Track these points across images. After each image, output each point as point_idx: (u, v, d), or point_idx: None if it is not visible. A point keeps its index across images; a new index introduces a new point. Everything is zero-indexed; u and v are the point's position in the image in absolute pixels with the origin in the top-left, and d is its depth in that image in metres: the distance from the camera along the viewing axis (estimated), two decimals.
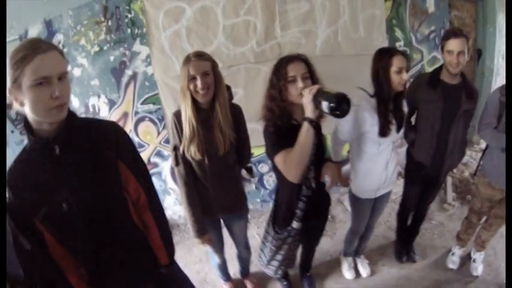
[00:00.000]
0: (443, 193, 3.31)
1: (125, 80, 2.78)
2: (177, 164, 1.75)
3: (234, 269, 2.54)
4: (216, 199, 1.84)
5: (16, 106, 1.04)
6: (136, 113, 2.89)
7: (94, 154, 1.15)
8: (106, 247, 1.24)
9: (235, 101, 2.80)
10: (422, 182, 2.27)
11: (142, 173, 1.33)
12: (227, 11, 2.64)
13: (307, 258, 2.29)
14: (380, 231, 2.91)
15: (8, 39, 2.75)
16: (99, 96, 2.83)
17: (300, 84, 1.47)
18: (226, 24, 2.66)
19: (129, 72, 2.76)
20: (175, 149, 1.73)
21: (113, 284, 1.32)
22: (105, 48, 2.68)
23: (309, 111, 1.38)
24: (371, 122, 1.78)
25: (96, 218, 1.18)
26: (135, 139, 2.95)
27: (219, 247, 2.12)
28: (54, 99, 0.99)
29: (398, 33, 3.06)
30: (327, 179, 1.71)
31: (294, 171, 1.47)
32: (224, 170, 1.81)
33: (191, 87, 1.60)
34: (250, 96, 2.74)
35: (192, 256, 2.89)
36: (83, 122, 1.20)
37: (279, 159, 1.52)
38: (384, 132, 1.79)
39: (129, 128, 2.91)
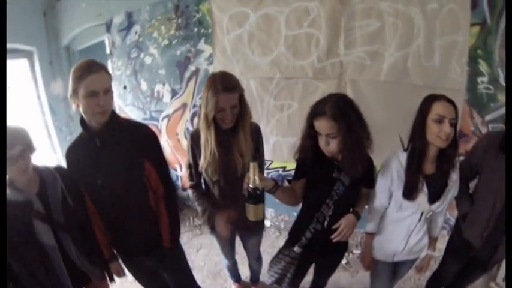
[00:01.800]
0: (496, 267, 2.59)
1: (187, 74, 2.98)
2: (191, 180, 1.83)
3: (247, 273, 2.64)
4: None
5: (74, 108, 1.42)
6: (195, 105, 3.09)
7: (125, 150, 1.50)
8: (124, 219, 1.61)
9: (289, 113, 2.82)
10: (465, 262, 1.91)
11: (163, 171, 1.66)
12: (290, 21, 2.58)
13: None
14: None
15: (95, 24, 3.15)
16: (163, 84, 3.11)
17: (322, 141, 1.48)
18: (289, 34, 2.61)
19: (192, 67, 2.94)
20: (190, 167, 1.80)
21: (123, 247, 1.72)
22: (173, 42, 2.91)
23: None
24: (396, 180, 1.59)
25: (120, 196, 1.54)
26: (190, 128, 3.19)
27: (230, 255, 2.25)
28: (99, 107, 1.36)
29: (482, 66, 2.47)
30: (339, 229, 1.64)
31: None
32: (241, 190, 1.81)
33: (218, 116, 1.60)
34: (303, 111, 2.62)
35: (215, 247, 3.06)
36: (122, 123, 1.55)
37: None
38: (407, 193, 1.56)
39: (186, 118, 3.15)
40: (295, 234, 1.78)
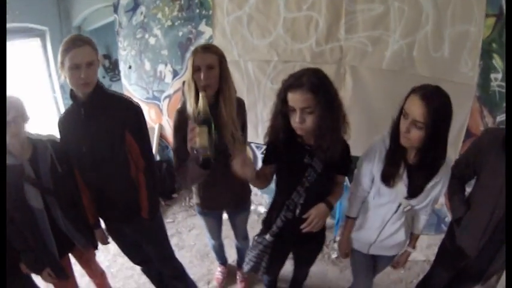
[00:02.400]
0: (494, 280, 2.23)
1: (188, 55, 2.95)
2: (177, 168, 1.76)
3: (234, 257, 2.64)
4: (222, 195, 1.89)
5: (62, 79, 1.53)
6: None
7: (107, 120, 1.56)
8: (106, 187, 1.69)
9: None
10: (457, 270, 1.77)
11: (144, 145, 1.69)
12: (289, 3, 2.50)
13: (295, 278, 2.24)
14: None
15: (104, 5, 3.23)
16: (166, 65, 3.15)
17: (297, 118, 1.34)
18: (287, 16, 2.54)
19: (193, 48, 2.90)
20: (177, 150, 1.73)
21: (106, 214, 1.82)
22: (176, 23, 2.92)
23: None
24: (377, 164, 1.52)
25: (102, 164, 1.62)
26: None
27: (217, 235, 2.25)
28: (81, 79, 1.45)
29: (497, 61, 2.26)
30: (309, 219, 1.56)
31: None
32: (227, 165, 1.84)
33: (195, 78, 1.59)
34: None
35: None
36: (107, 95, 1.62)
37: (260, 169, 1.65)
38: (385, 177, 1.48)
39: None
40: (267, 221, 1.72)
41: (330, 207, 1.57)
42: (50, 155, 1.63)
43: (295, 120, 1.35)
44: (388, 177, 1.48)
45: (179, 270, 2.13)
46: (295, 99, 1.32)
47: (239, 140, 1.73)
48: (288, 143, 1.49)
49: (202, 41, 2.87)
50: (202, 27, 2.83)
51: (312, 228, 1.56)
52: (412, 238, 1.72)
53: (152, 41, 3.09)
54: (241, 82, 2.79)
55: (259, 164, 3.00)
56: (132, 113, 1.63)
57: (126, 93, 3.56)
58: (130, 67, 3.39)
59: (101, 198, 1.75)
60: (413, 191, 1.48)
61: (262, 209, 3.23)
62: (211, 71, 1.59)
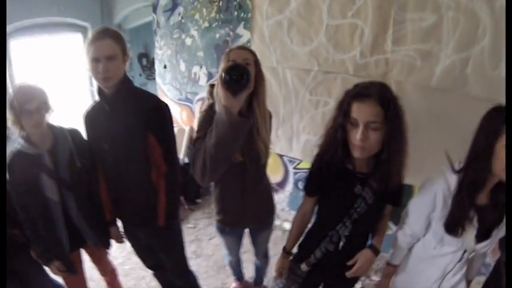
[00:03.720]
0: None
1: None
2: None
3: (250, 273, 2.52)
4: (247, 211, 1.74)
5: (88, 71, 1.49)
6: None
7: (130, 119, 1.50)
8: (124, 188, 1.63)
9: (324, 111, 2.58)
10: None
11: (169, 148, 1.60)
12: (333, 9, 2.35)
13: None
14: None
15: (144, 4, 3.25)
16: (201, 67, 3.10)
17: (358, 134, 1.15)
18: (330, 24, 2.40)
19: None
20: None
21: (122, 214, 1.76)
22: (213, 25, 2.87)
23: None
24: (440, 208, 1.25)
25: (122, 164, 1.57)
26: None
27: (235, 252, 2.13)
28: (99, 73, 1.42)
29: None
30: (355, 267, 1.42)
31: None
32: (261, 179, 1.74)
33: None
34: None
35: None
36: (132, 92, 1.57)
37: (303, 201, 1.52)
38: (451, 227, 1.23)
39: None
40: (304, 250, 1.55)
41: (376, 253, 1.41)
42: (69, 147, 1.61)
43: (355, 137, 1.16)
44: (455, 226, 1.22)
45: (192, 283, 2.03)
46: (361, 110, 1.15)
47: (269, 147, 1.64)
48: (336, 170, 1.31)
49: (239, 43, 2.79)
50: (240, 30, 2.77)
51: (356, 275, 1.43)
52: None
53: (188, 41, 3.07)
54: (278, 90, 2.69)
55: (291, 178, 2.92)
56: (157, 112, 1.54)
57: (159, 92, 3.56)
58: (165, 66, 3.39)
59: (118, 198, 1.70)
60: (482, 235, 1.25)
61: (288, 226, 3.06)
62: (248, 66, 1.46)
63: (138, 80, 3.81)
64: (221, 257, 2.76)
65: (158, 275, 2.10)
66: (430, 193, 1.27)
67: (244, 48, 1.59)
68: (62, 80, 3.19)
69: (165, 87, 3.51)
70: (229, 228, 1.86)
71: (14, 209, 1.56)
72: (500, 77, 2.08)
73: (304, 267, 1.52)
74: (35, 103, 1.46)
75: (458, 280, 1.35)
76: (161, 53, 3.39)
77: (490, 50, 2.07)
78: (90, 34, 1.44)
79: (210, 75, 3.09)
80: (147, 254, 1.93)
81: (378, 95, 1.14)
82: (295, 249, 1.61)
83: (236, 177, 1.63)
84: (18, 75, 3.06)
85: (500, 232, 1.25)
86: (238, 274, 2.44)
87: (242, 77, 1.18)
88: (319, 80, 2.54)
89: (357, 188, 1.32)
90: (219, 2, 2.78)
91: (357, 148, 1.19)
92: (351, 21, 2.33)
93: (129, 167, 1.58)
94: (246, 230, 1.99)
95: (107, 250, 1.95)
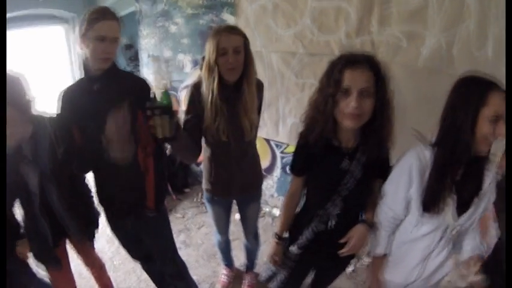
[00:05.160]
0: None
1: None
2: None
3: (240, 261, 2.50)
4: (234, 180, 1.81)
5: (78, 50, 1.46)
6: None
7: (120, 97, 1.48)
8: (110, 168, 1.56)
9: (310, 93, 2.58)
10: None
11: None
12: None
13: None
14: None
15: None
16: (185, 54, 3.06)
17: (353, 102, 1.14)
18: (315, 6, 2.36)
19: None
20: (186, 123, 1.64)
21: (107, 201, 1.70)
22: (198, 12, 2.82)
23: None
24: (417, 183, 1.23)
25: (109, 144, 1.51)
26: None
27: (224, 229, 2.14)
28: (104, 53, 1.40)
29: None
30: (349, 243, 1.40)
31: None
32: (246, 152, 1.79)
33: (219, 62, 1.51)
34: None
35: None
36: (121, 73, 1.58)
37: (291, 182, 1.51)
38: (429, 205, 1.21)
39: None
40: (294, 232, 1.53)
41: (370, 227, 1.39)
42: (49, 137, 1.53)
43: (349, 105, 1.14)
44: (434, 204, 1.20)
45: (181, 269, 2.01)
46: (354, 77, 1.13)
47: (256, 127, 1.74)
48: (322, 146, 1.29)
49: None
50: (225, 15, 2.73)
51: (351, 252, 1.40)
52: (468, 264, 1.34)
53: (173, 29, 3.01)
54: (264, 74, 2.65)
55: (278, 162, 2.91)
56: (145, 91, 1.53)
57: None
58: (149, 56, 3.32)
59: (103, 184, 1.66)
60: (461, 209, 1.23)
61: (277, 212, 3.05)
62: (238, 55, 1.53)
63: None
64: (211, 246, 2.74)
65: (146, 267, 2.07)
66: (405, 169, 1.25)
67: (235, 32, 1.56)
68: (44, 74, 3.10)
69: (151, 77, 3.45)
70: (216, 197, 1.90)
71: None
72: (486, 57, 2.08)
73: (295, 249, 1.50)
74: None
75: (444, 259, 1.33)
76: (145, 42, 3.33)
77: (475, 30, 2.07)
78: (93, 10, 1.39)
79: (195, 63, 3.04)
80: (134, 245, 1.89)
81: (368, 62, 1.15)
82: (273, 229, 1.62)
83: (222, 153, 1.74)
84: None
85: (481, 202, 1.24)
86: (228, 259, 2.42)
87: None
88: (304, 63, 2.51)
89: (344, 162, 1.30)
90: None
91: (351, 117, 1.17)
92: (336, 3, 2.31)
93: (115, 149, 1.53)
94: (235, 207, 2.04)
95: (93, 244, 1.91)
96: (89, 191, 1.84)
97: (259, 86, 1.74)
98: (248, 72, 1.60)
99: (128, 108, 1.49)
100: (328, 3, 2.33)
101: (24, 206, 1.57)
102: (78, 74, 3.47)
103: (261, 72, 2.61)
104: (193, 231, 2.94)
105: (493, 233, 1.64)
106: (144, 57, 3.43)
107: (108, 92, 1.48)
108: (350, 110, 1.14)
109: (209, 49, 1.53)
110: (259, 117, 1.81)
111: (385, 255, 1.44)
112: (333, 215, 1.39)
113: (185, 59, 3.08)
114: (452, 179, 1.19)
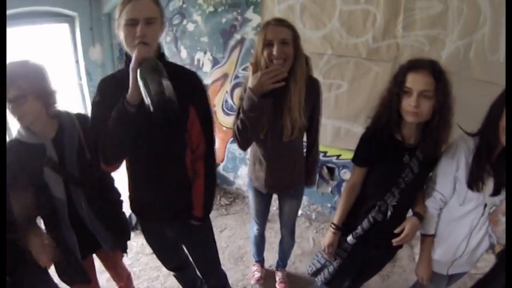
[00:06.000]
0: None
1: (232, 42, 2.89)
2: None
3: (272, 261, 2.50)
4: (270, 177, 1.79)
5: (118, 39, 1.25)
6: (237, 76, 2.99)
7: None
8: (154, 174, 1.38)
9: (337, 94, 2.59)
10: None
11: (208, 125, 1.42)
12: None
13: None
14: None
15: None
16: (205, 53, 3.02)
17: (412, 101, 1.28)
18: (344, 9, 2.48)
19: (237, 36, 2.85)
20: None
21: (146, 208, 1.50)
22: (219, 10, 2.81)
23: None
24: (463, 167, 1.40)
25: (154, 142, 1.32)
26: (229, 100, 3.09)
27: (262, 217, 2.12)
28: (136, 38, 1.15)
29: None
30: (403, 234, 1.49)
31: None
32: (286, 154, 1.75)
33: (265, 54, 1.47)
34: (353, 94, 2.63)
35: (242, 231, 2.97)
36: (171, 63, 1.35)
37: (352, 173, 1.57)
38: (472, 184, 1.37)
39: (225, 89, 3.06)
40: (351, 222, 1.60)
41: (421, 220, 1.51)
42: (77, 135, 1.40)
43: (409, 104, 1.30)
44: (477, 180, 1.37)
45: (222, 279, 1.95)
46: (415, 80, 1.29)
47: (300, 127, 1.63)
48: (386, 140, 1.42)
49: (248, 28, 2.78)
50: (250, 14, 2.73)
51: (403, 242, 1.51)
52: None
53: (191, 27, 2.96)
54: None
55: None
56: (199, 86, 1.39)
57: None
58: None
59: (143, 190, 1.46)
60: (497, 189, 1.40)
61: (300, 212, 3.06)
62: (285, 47, 1.47)
63: None
64: (236, 249, 2.71)
65: (180, 276, 1.93)
66: (454, 155, 1.42)
67: (283, 24, 1.51)
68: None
69: None
70: (256, 189, 1.92)
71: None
72: (499, 62, 2.33)
73: (351, 239, 1.58)
74: (12, 92, 1.20)
75: (484, 234, 1.49)
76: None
77: (489, 37, 2.32)
78: None
79: (215, 61, 3.01)
80: (172, 254, 1.77)
81: (430, 67, 1.29)
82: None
83: (259, 149, 1.74)
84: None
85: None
86: (260, 255, 2.41)
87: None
88: (332, 64, 2.61)
89: (405, 157, 1.42)
90: None
91: (411, 114, 1.31)
92: (363, 7, 2.44)
93: (161, 147, 1.35)
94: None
95: (124, 254, 1.75)
96: (119, 195, 1.66)
97: (313, 84, 1.67)
98: (296, 68, 1.53)
99: (181, 102, 1.24)
100: (356, 6, 2.46)
101: (47, 215, 1.41)
102: (83, 73, 3.28)
103: None
104: (216, 235, 2.82)
105: (502, 227, 1.79)
106: None
107: None
108: (410, 109, 1.30)
109: (257, 41, 1.53)
110: (315, 118, 1.76)
111: (433, 236, 1.56)
112: (390, 206, 1.49)
113: (204, 58, 3.04)
114: (489, 163, 1.36)
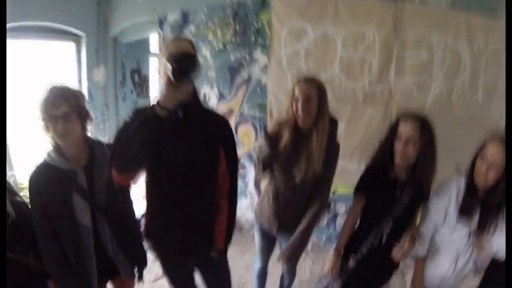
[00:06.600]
0: None
1: (239, 80, 3.07)
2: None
3: None
4: (277, 215, 1.89)
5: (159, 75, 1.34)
6: (241, 114, 3.14)
7: (205, 130, 1.40)
8: (179, 206, 1.44)
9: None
10: None
11: (234, 165, 1.56)
12: (347, 44, 2.74)
13: None
14: None
15: (148, 19, 3.22)
16: (212, 87, 3.17)
17: (400, 145, 1.54)
18: (344, 56, 2.77)
19: (244, 74, 3.03)
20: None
21: (167, 240, 1.53)
22: (228, 48, 3.00)
23: None
24: (454, 201, 1.64)
25: (183, 177, 1.39)
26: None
27: (266, 257, 2.18)
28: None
29: None
30: (403, 247, 1.71)
31: None
32: (295, 195, 1.84)
33: (293, 108, 1.67)
34: (349, 134, 2.86)
35: (242, 261, 3.04)
36: (205, 109, 1.48)
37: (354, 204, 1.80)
38: (465, 211, 1.61)
39: None
40: (351, 248, 1.82)
41: (413, 243, 1.75)
42: (108, 165, 1.37)
43: (399, 148, 1.56)
44: (468, 209, 1.63)
45: None
46: (404, 127, 1.55)
47: (318, 178, 1.76)
48: (382, 176, 1.67)
49: (255, 67, 2.99)
50: (257, 54, 2.95)
51: (402, 257, 1.73)
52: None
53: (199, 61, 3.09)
54: None
55: None
56: (227, 127, 1.52)
57: None
58: None
59: (167, 220, 1.50)
60: (484, 222, 1.65)
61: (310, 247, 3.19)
62: (309, 104, 1.66)
63: (129, 97, 3.66)
64: (238, 277, 2.70)
65: None
66: (447, 191, 1.69)
67: (308, 82, 1.69)
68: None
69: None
70: (262, 226, 2.01)
71: (30, 232, 1.35)
72: (477, 102, 2.73)
73: (351, 262, 1.80)
74: (63, 108, 1.27)
75: (469, 257, 1.75)
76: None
77: (469, 81, 2.71)
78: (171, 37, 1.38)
79: (221, 96, 3.17)
80: (187, 283, 1.79)
81: (417, 116, 1.57)
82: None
83: (272, 186, 1.89)
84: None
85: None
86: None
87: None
88: (331, 106, 2.81)
89: (397, 192, 1.69)
90: (235, 26, 2.92)
91: (399, 156, 1.57)
92: (361, 55, 2.74)
93: (190, 181, 1.41)
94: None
95: (140, 281, 1.74)
96: (140, 226, 1.66)
97: (335, 145, 1.81)
98: (319, 122, 1.69)
99: (212, 142, 1.42)
100: (355, 54, 2.75)
101: (67, 241, 1.40)
102: (85, 93, 3.32)
103: None
104: None
105: (486, 252, 2.09)
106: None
107: (190, 121, 1.35)
108: (399, 153, 1.57)
109: (289, 96, 1.72)
110: (322, 169, 1.77)
111: (424, 259, 1.83)
112: (385, 233, 1.74)
113: (211, 92, 3.19)
114: (477, 200, 1.63)
